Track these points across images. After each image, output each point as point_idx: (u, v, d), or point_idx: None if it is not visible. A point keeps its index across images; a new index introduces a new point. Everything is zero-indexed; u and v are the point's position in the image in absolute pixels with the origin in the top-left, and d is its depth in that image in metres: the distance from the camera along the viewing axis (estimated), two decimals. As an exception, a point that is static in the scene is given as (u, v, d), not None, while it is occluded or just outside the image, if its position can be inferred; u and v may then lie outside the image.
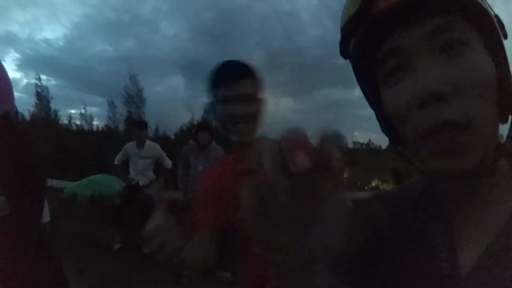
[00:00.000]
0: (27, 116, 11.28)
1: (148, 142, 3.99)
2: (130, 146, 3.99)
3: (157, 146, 4.04)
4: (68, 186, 4.16)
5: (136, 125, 4.07)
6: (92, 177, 4.25)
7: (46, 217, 1.53)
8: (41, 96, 11.43)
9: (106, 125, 11.54)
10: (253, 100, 0.97)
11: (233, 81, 0.96)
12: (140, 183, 4.00)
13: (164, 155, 4.05)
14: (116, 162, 4.01)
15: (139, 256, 3.46)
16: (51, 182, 4.72)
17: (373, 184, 12.02)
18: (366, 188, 10.54)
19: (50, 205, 4.06)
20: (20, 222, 0.90)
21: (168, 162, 4.04)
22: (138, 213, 3.79)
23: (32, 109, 11.40)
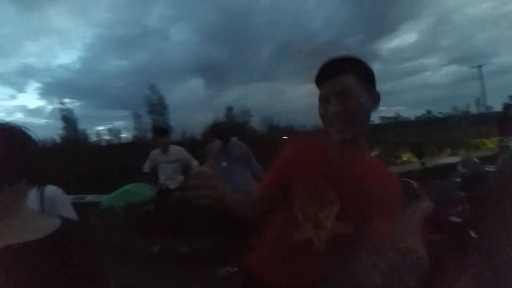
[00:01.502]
0: (58, 140, 11.80)
1: (172, 146, 4.07)
2: (155, 153, 4.07)
3: (182, 149, 4.11)
4: (104, 199, 4.26)
5: (157, 133, 4.13)
6: (125, 187, 4.34)
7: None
8: (67, 118, 11.91)
9: (134, 136, 11.89)
10: (346, 97, 0.89)
11: (325, 79, 0.92)
12: (171, 187, 4.05)
13: (190, 157, 4.10)
14: (145, 170, 4.08)
15: (177, 258, 3.58)
16: (87, 198, 4.91)
17: (404, 158, 11.59)
18: (397, 162, 10.15)
19: (89, 219, 4.21)
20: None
21: (195, 163, 4.06)
22: (173, 215, 3.84)
23: (61, 132, 11.88)
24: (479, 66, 33.02)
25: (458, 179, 2.25)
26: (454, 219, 1.95)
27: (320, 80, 0.93)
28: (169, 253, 3.77)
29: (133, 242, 3.98)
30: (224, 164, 3.19)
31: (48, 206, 1.48)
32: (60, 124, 12.08)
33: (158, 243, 3.82)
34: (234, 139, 3.45)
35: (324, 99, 0.92)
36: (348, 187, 0.90)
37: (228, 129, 3.59)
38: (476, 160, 2.39)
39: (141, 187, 4.26)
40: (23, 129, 0.80)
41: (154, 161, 4.08)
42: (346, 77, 0.87)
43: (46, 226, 0.78)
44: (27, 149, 0.78)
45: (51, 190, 1.55)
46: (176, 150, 4.05)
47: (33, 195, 0.86)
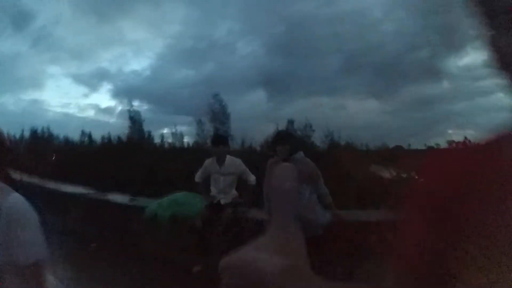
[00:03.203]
0: (124, 138, 12.51)
1: (229, 157, 3.68)
2: (210, 162, 3.72)
3: (239, 161, 3.70)
4: (150, 205, 3.99)
5: (214, 141, 3.77)
6: (174, 195, 4.02)
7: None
8: (134, 119, 12.64)
9: (195, 141, 12.19)
10: None
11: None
12: (222, 202, 3.65)
13: (247, 170, 3.69)
14: (196, 180, 3.75)
15: (218, 280, 3.09)
16: (138, 201, 4.70)
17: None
18: None
19: (133, 224, 3.94)
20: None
21: (252, 178, 3.65)
22: (220, 232, 3.43)
23: (127, 131, 12.60)
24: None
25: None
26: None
27: None
28: (210, 273, 3.35)
29: (173, 256, 3.63)
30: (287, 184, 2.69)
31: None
32: (127, 123, 12.74)
33: (200, 261, 3.41)
34: (299, 154, 2.97)
35: None
36: None
37: (290, 138, 3.14)
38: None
39: (191, 197, 3.91)
40: None
41: (207, 171, 3.74)
42: None
43: None
44: None
45: (14, 201, 1.01)
46: (232, 162, 3.67)
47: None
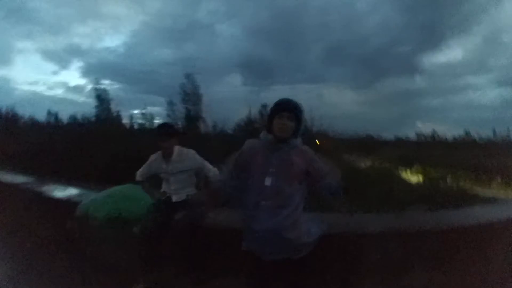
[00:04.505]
0: (92, 118, 11.48)
1: (178, 151, 2.81)
2: (155, 158, 2.85)
3: (191, 153, 2.83)
4: (83, 202, 3.03)
5: (158, 132, 2.81)
6: (113, 189, 3.08)
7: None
8: (102, 99, 11.61)
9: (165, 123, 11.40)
10: None
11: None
12: (173, 199, 2.78)
13: (205, 163, 2.85)
14: (138, 178, 2.86)
15: None
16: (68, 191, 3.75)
17: (448, 180, 9.89)
18: (442, 185, 8.46)
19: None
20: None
21: (213, 172, 2.77)
22: (169, 242, 2.56)
23: (94, 111, 11.59)
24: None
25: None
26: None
27: None
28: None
29: (109, 271, 2.73)
30: (272, 174, 1.84)
31: None
32: (95, 103, 11.70)
33: (144, 278, 2.54)
34: (298, 140, 1.94)
35: None
36: None
37: (299, 111, 1.92)
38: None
39: (136, 191, 2.98)
40: None
41: (153, 169, 2.87)
42: None
43: None
44: None
45: None
46: (182, 156, 2.80)
47: None
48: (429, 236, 2.69)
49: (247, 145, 1.98)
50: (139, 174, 2.84)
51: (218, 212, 2.90)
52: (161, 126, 2.89)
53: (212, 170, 2.82)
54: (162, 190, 2.84)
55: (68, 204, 3.49)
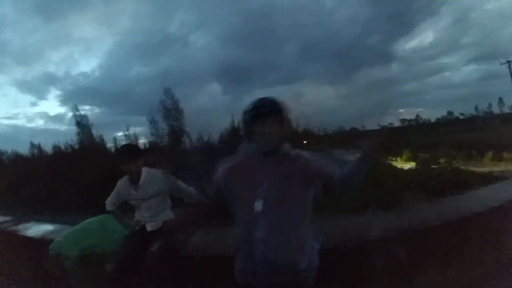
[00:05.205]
0: (76, 146, 11.24)
1: (145, 172, 2.53)
2: (122, 184, 2.58)
3: (161, 174, 2.52)
4: (55, 240, 2.86)
5: (119, 155, 2.57)
6: (86, 222, 2.92)
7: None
8: (83, 125, 11.43)
9: (150, 142, 11.31)
10: None
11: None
12: (148, 228, 2.61)
13: (179, 183, 2.53)
14: (108, 208, 2.65)
15: None
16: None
17: (442, 161, 9.87)
18: (437, 166, 8.38)
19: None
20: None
21: (188, 192, 2.56)
22: (144, 278, 2.38)
23: (77, 138, 11.38)
24: (508, 62, 28.26)
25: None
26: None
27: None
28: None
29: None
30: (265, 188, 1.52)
31: None
32: (76, 130, 11.51)
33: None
34: (288, 146, 1.63)
35: None
36: None
37: (283, 113, 1.55)
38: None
39: (109, 223, 2.82)
40: None
41: (122, 196, 2.61)
42: None
43: None
44: None
45: None
46: (151, 178, 2.53)
47: None
48: (436, 229, 2.37)
49: (224, 166, 1.64)
50: (109, 203, 2.65)
51: (202, 234, 2.76)
52: (121, 148, 2.73)
53: (188, 189, 2.52)
54: (135, 218, 2.68)
55: (45, 241, 3.33)
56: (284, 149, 1.57)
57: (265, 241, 1.46)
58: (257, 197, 1.48)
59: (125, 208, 2.76)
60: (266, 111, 1.49)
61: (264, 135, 1.49)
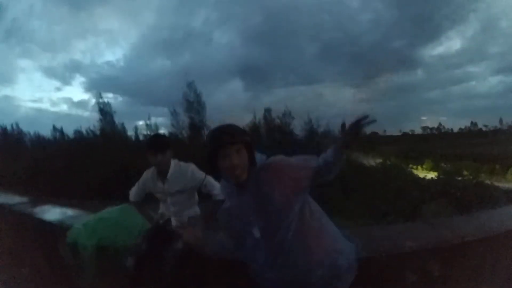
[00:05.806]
0: (97, 132, 11.36)
1: (175, 165, 2.38)
2: (149, 176, 2.44)
3: (191, 168, 2.38)
4: (73, 227, 2.69)
5: (149, 146, 2.37)
6: (110, 211, 2.73)
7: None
8: (106, 112, 11.49)
9: (170, 132, 11.41)
10: None
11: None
12: (174, 224, 2.41)
13: (209, 179, 2.37)
14: (132, 199, 2.49)
15: None
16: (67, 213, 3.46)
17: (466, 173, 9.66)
18: (461, 178, 8.04)
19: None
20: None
21: (218, 190, 2.37)
22: (165, 276, 2.19)
23: (99, 124, 11.47)
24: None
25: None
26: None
27: None
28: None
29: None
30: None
31: None
32: (99, 117, 11.61)
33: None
34: (260, 161, 1.54)
35: None
36: None
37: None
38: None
39: (130, 214, 2.63)
40: None
41: (147, 188, 2.48)
42: None
43: None
44: None
45: None
46: (181, 172, 2.38)
47: None
48: (471, 246, 2.23)
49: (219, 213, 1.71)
50: (133, 194, 2.48)
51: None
52: (153, 138, 2.54)
53: (216, 186, 2.37)
54: (160, 211, 2.50)
55: (61, 226, 3.19)
56: (259, 165, 1.48)
57: (277, 260, 1.46)
58: (251, 224, 1.47)
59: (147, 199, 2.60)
60: (227, 141, 1.40)
61: (231, 168, 1.41)
